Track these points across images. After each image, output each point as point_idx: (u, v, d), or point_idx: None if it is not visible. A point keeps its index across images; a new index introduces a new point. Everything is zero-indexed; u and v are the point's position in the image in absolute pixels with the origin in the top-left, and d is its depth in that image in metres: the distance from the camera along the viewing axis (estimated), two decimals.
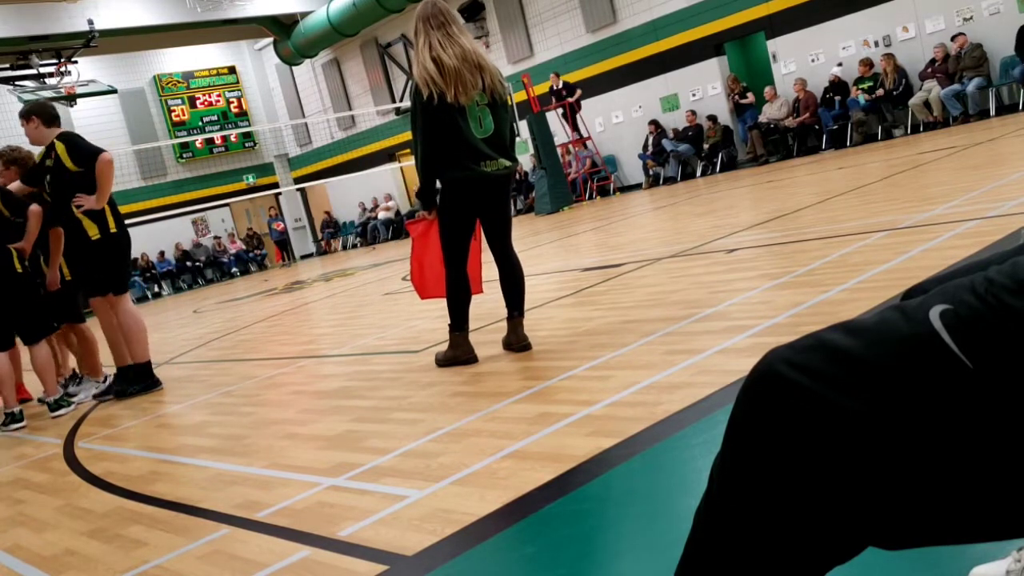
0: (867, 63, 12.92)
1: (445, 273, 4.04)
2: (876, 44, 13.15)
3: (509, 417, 2.97)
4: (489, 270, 4.23)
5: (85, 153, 5.26)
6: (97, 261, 5.39)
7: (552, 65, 17.73)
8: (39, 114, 5.39)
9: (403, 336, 5.35)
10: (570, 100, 16.04)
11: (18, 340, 5.57)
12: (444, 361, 4.05)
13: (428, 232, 4.16)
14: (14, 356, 5.55)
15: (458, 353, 4.02)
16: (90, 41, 16.27)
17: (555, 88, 16.20)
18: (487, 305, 5.67)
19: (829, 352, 0.88)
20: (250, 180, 24.90)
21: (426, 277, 4.27)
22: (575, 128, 16.44)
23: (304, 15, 20.76)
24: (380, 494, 2.50)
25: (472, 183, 3.87)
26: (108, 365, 6.05)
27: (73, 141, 5.36)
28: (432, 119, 3.79)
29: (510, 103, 4.09)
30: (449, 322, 4.06)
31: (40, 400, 5.72)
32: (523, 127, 16.78)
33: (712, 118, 15.22)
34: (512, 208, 4.60)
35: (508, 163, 3.94)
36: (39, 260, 5.76)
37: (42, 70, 15.96)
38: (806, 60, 14.05)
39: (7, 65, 15.74)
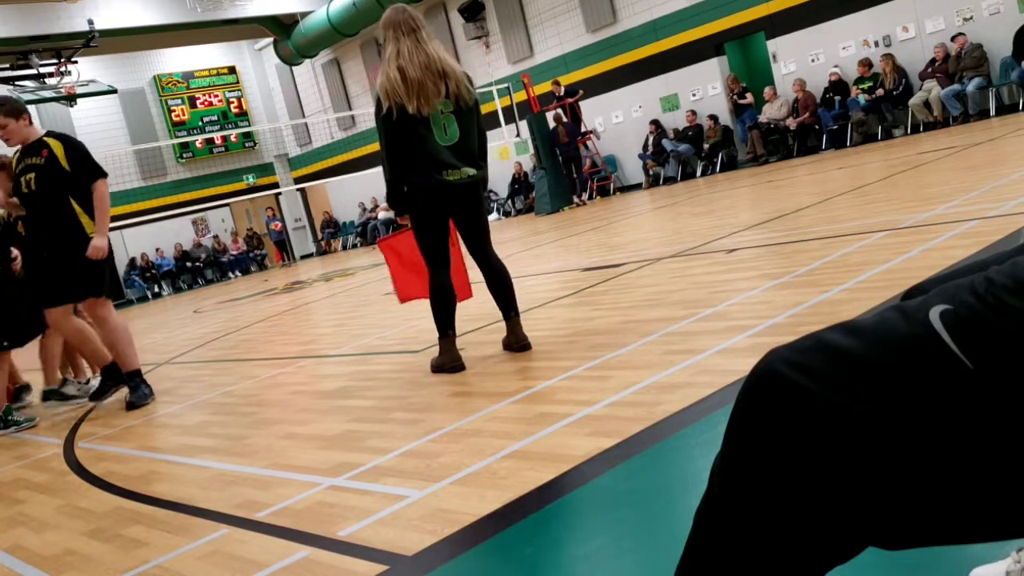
0: (867, 63, 12.92)
1: (428, 278, 4.01)
2: (876, 44, 13.15)
3: (509, 417, 2.97)
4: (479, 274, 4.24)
5: (84, 159, 5.14)
6: (97, 260, 5.24)
7: (552, 65, 17.74)
8: (27, 112, 5.30)
9: (403, 336, 5.35)
10: (570, 100, 16.03)
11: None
12: (435, 368, 4.02)
13: (400, 248, 4.19)
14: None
15: (444, 360, 3.96)
16: (90, 41, 16.27)
17: (558, 96, 16.19)
18: (488, 305, 5.67)
19: (829, 352, 0.88)
20: (250, 180, 24.90)
21: (409, 282, 4.30)
22: (577, 128, 16.42)
23: (304, 15, 20.76)
24: (380, 494, 2.50)
25: (434, 190, 3.81)
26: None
27: (69, 142, 5.27)
28: (393, 130, 3.76)
29: (479, 109, 3.99)
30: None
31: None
32: (523, 127, 16.77)
33: (713, 118, 15.22)
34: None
35: (473, 171, 3.85)
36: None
37: (42, 70, 15.96)
38: (806, 60, 14.05)
39: (7, 65, 15.74)
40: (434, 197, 3.84)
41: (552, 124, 15.90)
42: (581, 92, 16.20)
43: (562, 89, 16.21)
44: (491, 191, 19.65)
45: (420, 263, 4.15)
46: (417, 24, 3.79)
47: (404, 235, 4.26)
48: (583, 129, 16.58)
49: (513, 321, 4.02)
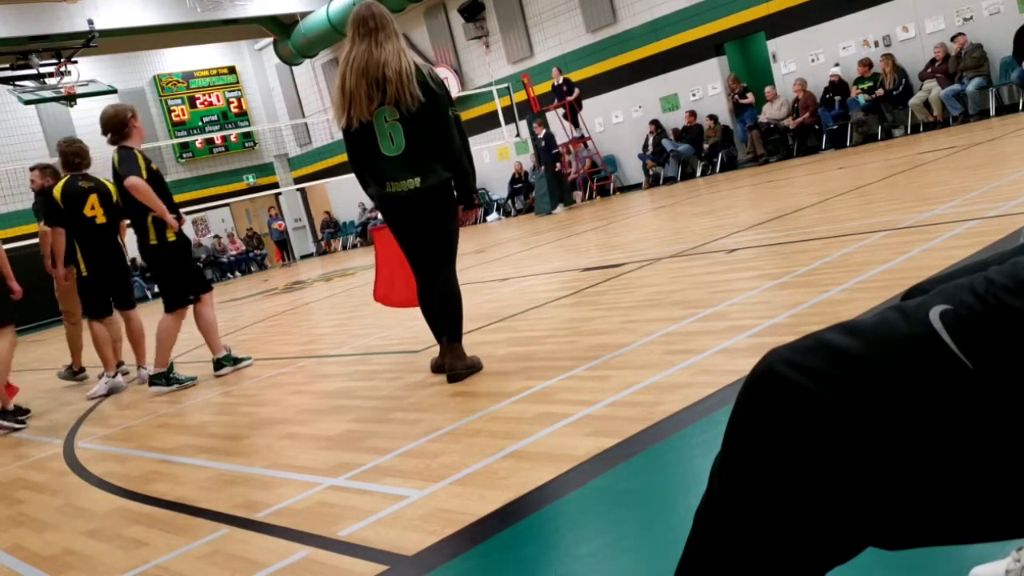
0: (867, 63, 12.92)
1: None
2: (876, 44, 13.15)
3: (509, 417, 2.97)
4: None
5: None
6: None
7: (552, 65, 17.73)
8: None
9: (403, 336, 5.34)
10: (570, 99, 16.02)
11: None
12: (435, 367, 3.97)
13: (390, 242, 4.10)
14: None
15: (438, 362, 3.92)
16: (90, 41, 16.25)
17: (556, 84, 16.16)
18: (487, 305, 5.68)
19: (829, 353, 0.88)
20: (250, 180, 24.90)
21: (395, 287, 4.23)
22: (576, 127, 16.44)
23: (304, 15, 20.76)
24: (380, 494, 2.50)
25: (382, 202, 3.76)
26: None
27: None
28: (346, 143, 3.74)
29: (442, 110, 3.69)
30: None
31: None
32: (523, 127, 16.76)
33: (713, 118, 15.22)
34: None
35: (416, 183, 3.63)
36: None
37: (42, 70, 15.93)
38: (806, 60, 14.05)
39: (7, 65, 15.71)
40: (386, 209, 3.78)
41: (556, 121, 15.84)
42: (578, 91, 16.18)
43: (561, 77, 16.15)
44: (485, 190, 19.67)
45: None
46: (378, 24, 3.61)
47: None
48: (582, 131, 16.58)
49: (444, 347, 3.79)
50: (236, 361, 5.68)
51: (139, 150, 5.29)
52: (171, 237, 5.26)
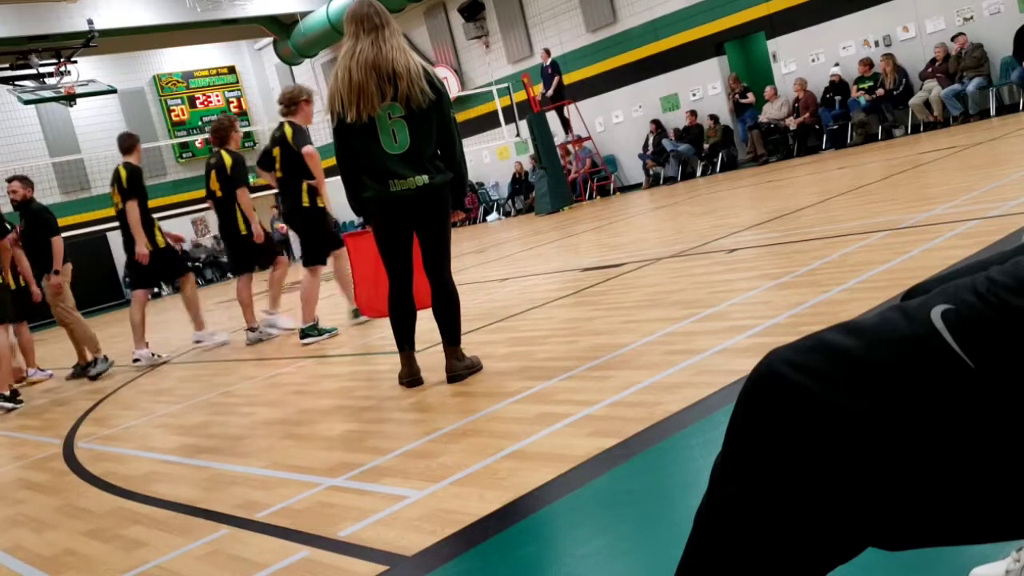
0: (867, 63, 12.91)
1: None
2: (876, 44, 13.15)
3: (509, 417, 2.96)
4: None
5: None
6: None
7: (552, 64, 17.75)
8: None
9: None
10: (557, 76, 15.98)
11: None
12: (399, 380, 3.87)
13: (369, 250, 3.98)
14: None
15: (401, 374, 3.81)
16: (90, 41, 16.24)
17: (544, 65, 16.10)
18: (487, 305, 5.68)
19: (830, 352, 0.88)
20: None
21: (376, 295, 4.14)
22: (570, 130, 16.44)
23: (304, 15, 20.76)
24: (380, 494, 2.50)
25: (380, 203, 3.65)
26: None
27: None
28: (340, 140, 3.65)
29: (445, 109, 3.66)
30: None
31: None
32: (523, 127, 16.76)
33: (714, 118, 15.21)
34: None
35: (424, 180, 3.60)
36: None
37: (42, 70, 15.93)
38: (806, 60, 14.05)
39: (7, 65, 15.71)
40: (384, 210, 3.66)
41: (556, 121, 15.81)
42: (560, 77, 16.14)
43: (549, 58, 16.10)
44: (486, 189, 19.66)
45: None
46: (382, 20, 3.56)
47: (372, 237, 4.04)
48: (577, 132, 16.57)
49: (448, 351, 3.75)
50: (322, 332, 6.09)
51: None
52: (320, 204, 6.36)
